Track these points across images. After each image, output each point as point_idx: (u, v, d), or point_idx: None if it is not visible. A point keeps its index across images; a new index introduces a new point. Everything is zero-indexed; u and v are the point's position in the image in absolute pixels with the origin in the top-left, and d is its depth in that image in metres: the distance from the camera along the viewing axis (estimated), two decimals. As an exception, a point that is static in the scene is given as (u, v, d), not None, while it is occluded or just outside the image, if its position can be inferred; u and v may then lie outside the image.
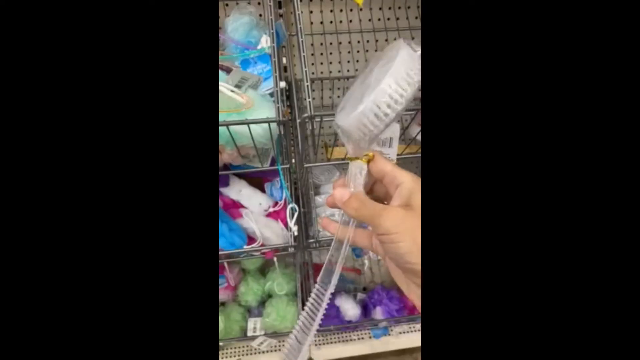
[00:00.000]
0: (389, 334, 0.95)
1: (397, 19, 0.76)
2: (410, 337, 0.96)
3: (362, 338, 0.95)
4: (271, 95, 0.56)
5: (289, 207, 0.58)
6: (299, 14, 0.51)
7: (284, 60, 0.75)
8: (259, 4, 0.69)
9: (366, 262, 0.98)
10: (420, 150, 0.63)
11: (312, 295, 0.31)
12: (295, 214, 0.58)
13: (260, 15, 0.69)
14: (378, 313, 0.92)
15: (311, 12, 0.73)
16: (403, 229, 0.24)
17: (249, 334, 0.86)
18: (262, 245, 0.66)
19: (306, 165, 0.60)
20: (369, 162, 0.29)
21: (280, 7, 0.69)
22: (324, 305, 0.30)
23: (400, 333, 0.96)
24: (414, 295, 0.27)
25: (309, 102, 0.44)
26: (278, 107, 0.46)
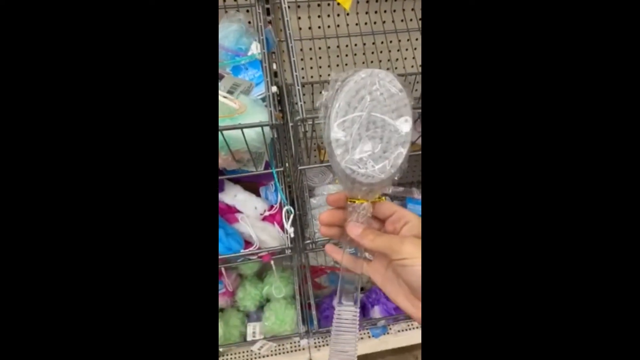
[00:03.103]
0: (388, 333, 0.96)
1: (384, 22, 0.77)
2: (409, 335, 0.97)
3: (362, 338, 0.95)
4: (263, 100, 0.57)
5: (284, 209, 0.59)
6: (287, 20, 0.52)
7: (275, 65, 0.77)
8: (247, 11, 0.71)
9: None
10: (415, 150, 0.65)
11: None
12: (291, 216, 0.59)
13: (250, 22, 0.70)
14: (376, 312, 0.92)
15: (299, 18, 0.74)
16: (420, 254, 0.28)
17: (249, 338, 0.86)
18: (259, 248, 0.67)
19: (300, 167, 0.61)
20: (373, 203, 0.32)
21: (269, 14, 0.71)
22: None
23: (399, 331, 0.96)
24: (418, 310, 0.30)
25: (301, 105, 0.46)
26: (270, 111, 0.47)
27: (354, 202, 0.31)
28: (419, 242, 0.29)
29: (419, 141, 0.64)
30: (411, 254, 0.28)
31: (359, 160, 0.28)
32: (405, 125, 0.28)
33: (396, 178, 0.30)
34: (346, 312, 0.33)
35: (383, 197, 0.32)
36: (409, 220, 0.31)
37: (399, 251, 0.29)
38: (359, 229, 0.31)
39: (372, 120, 0.28)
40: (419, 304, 0.29)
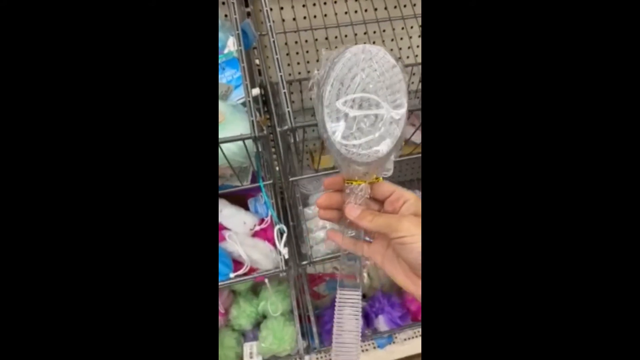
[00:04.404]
0: (394, 342, 0.91)
1: (376, 10, 0.70)
2: (416, 343, 0.92)
3: (367, 349, 0.90)
4: (244, 104, 0.49)
5: (276, 228, 0.52)
6: (267, 11, 0.44)
7: (257, 62, 0.69)
8: (223, 4, 0.62)
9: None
10: (414, 151, 0.58)
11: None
12: (284, 235, 0.52)
13: (226, 15, 0.62)
14: (381, 322, 0.87)
15: (282, 8, 0.66)
16: (420, 232, 0.28)
17: (246, 360, 0.80)
18: (251, 269, 0.60)
19: (292, 179, 0.54)
20: (371, 184, 0.31)
21: (247, 5, 0.63)
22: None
23: (405, 340, 0.91)
24: (418, 287, 0.30)
25: (288, 112, 0.38)
26: (252, 120, 0.40)
27: (352, 183, 0.31)
28: (418, 220, 0.29)
29: (417, 141, 0.58)
30: (409, 231, 0.28)
31: (354, 140, 0.27)
32: (401, 102, 0.27)
33: (392, 157, 0.29)
34: (349, 294, 0.33)
35: (380, 178, 0.32)
36: (408, 198, 0.31)
37: (398, 229, 0.29)
38: (357, 210, 0.31)
39: (366, 99, 0.27)
40: (418, 281, 0.30)
